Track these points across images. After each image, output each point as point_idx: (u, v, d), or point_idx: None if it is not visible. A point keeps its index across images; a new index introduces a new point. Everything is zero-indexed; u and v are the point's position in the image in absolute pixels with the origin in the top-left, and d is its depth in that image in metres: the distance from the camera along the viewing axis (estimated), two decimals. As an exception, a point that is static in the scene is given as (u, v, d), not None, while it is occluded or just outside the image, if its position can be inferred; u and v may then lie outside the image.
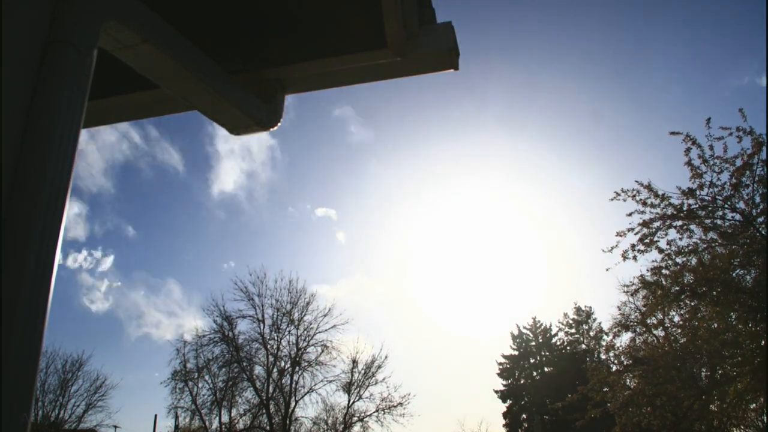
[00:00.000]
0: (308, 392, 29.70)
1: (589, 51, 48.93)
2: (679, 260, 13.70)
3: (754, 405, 14.73)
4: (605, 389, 16.67)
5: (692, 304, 13.86)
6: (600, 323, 42.90)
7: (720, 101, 43.71)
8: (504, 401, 44.67)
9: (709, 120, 12.80)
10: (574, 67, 49.83)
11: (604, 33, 48.45)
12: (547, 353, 44.74)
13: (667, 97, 48.29)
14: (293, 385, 29.37)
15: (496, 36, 49.30)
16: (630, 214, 13.55)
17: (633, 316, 16.25)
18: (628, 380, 16.45)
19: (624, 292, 15.54)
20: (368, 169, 53.55)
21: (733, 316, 13.53)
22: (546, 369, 44.05)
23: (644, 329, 15.59)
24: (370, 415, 29.51)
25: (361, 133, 53.45)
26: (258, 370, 30.07)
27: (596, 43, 49.33)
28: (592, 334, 43.00)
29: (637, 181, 13.59)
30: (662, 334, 15.59)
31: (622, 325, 15.74)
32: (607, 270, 14.87)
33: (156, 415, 33.28)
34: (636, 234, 13.55)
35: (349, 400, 29.86)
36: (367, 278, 53.58)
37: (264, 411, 28.87)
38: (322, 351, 30.08)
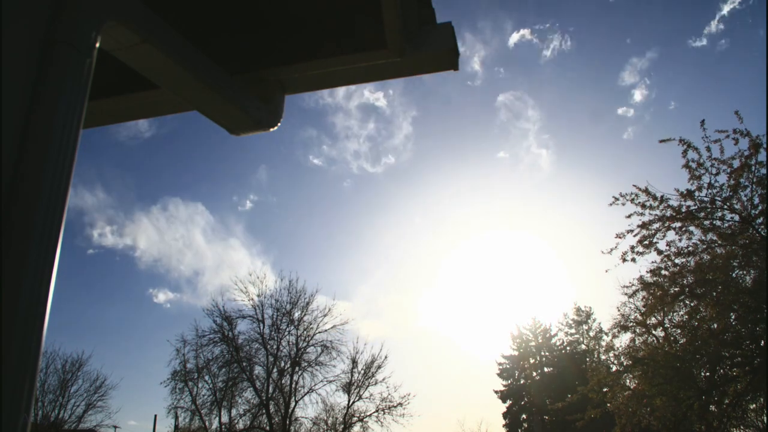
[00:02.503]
0: (308, 392, 29.71)
1: (590, 50, 48.97)
2: (678, 261, 13.73)
3: (754, 405, 14.73)
4: (605, 389, 16.67)
5: (692, 304, 13.88)
6: (600, 324, 42.98)
7: (720, 100, 43.70)
8: (504, 401, 44.69)
9: (703, 122, 12.86)
10: (574, 66, 49.86)
11: (604, 32, 48.51)
12: (547, 353, 44.74)
13: (667, 96, 48.33)
14: (293, 386, 29.38)
15: (489, 33, 49.38)
16: (629, 216, 13.59)
17: (632, 317, 16.23)
18: (627, 380, 16.45)
19: (624, 294, 15.52)
20: (366, 170, 53.55)
21: (733, 317, 13.53)
22: (546, 369, 44.06)
23: (644, 330, 15.58)
24: (370, 415, 29.52)
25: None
26: (258, 370, 30.09)
27: (597, 43, 49.38)
28: (591, 334, 43.05)
29: (635, 185, 13.63)
30: (662, 334, 15.59)
31: (621, 326, 15.74)
32: (606, 271, 14.92)
33: (156, 416, 33.33)
34: (635, 236, 13.59)
35: (348, 401, 29.86)
36: (365, 279, 53.59)
37: (264, 411, 28.86)
38: (322, 351, 30.11)
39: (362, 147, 52.18)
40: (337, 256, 55.73)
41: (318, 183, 53.60)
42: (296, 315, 30.48)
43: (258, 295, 30.43)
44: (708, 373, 14.83)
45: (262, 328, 30.16)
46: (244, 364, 29.57)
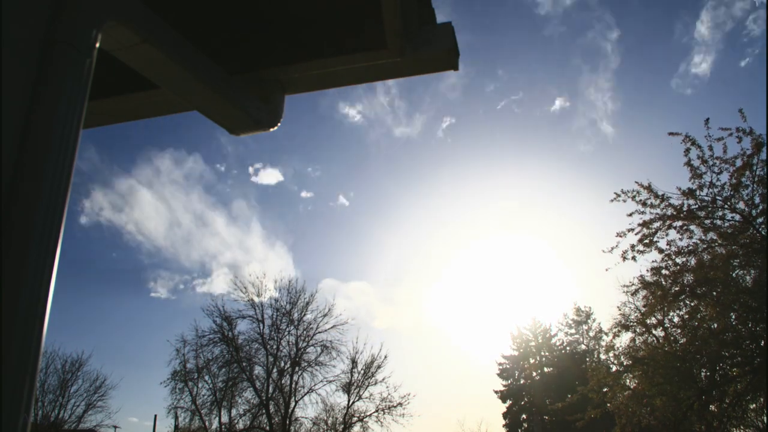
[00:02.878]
0: (308, 392, 29.71)
1: (590, 49, 48.95)
2: (678, 260, 13.73)
3: (754, 405, 14.72)
4: (605, 389, 16.67)
5: (692, 304, 13.88)
6: (600, 324, 42.99)
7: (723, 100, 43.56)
8: (504, 401, 44.70)
9: (707, 120, 12.84)
10: (574, 65, 49.85)
11: (605, 31, 48.44)
12: (547, 353, 44.75)
13: (668, 95, 48.27)
14: (293, 386, 29.38)
15: (498, 34, 49.30)
16: (630, 214, 13.60)
17: (633, 316, 16.23)
18: (627, 380, 16.45)
19: (624, 292, 15.51)
20: (368, 169, 53.50)
21: (733, 316, 13.53)
22: (546, 369, 44.06)
23: (644, 329, 15.58)
24: (370, 415, 29.51)
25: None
26: (258, 370, 30.10)
27: (598, 42, 49.32)
28: (591, 334, 43.07)
29: (637, 182, 13.62)
30: (662, 334, 15.59)
31: (622, 325, 15.73)
32: (606, 270, 14.87)
33: (156, 415, 33.33)
34: (636, 234, 13.60)
35: (348, 401, 29.87)
36: (366, 279, 53.48)
37: (264, 411, 28.86)
38: (322, 351, 30.12)
39: (397, 103, 48.69)
40: (359, 230, 54.60)
41: (347, 142, 50.60)
42: (296, 315, 30.53)
43: (258, 295, 30.48)
44: (708, 373, 14.83)
45: (261, 328, 30.20)
46: (244, 364, 29.59)
